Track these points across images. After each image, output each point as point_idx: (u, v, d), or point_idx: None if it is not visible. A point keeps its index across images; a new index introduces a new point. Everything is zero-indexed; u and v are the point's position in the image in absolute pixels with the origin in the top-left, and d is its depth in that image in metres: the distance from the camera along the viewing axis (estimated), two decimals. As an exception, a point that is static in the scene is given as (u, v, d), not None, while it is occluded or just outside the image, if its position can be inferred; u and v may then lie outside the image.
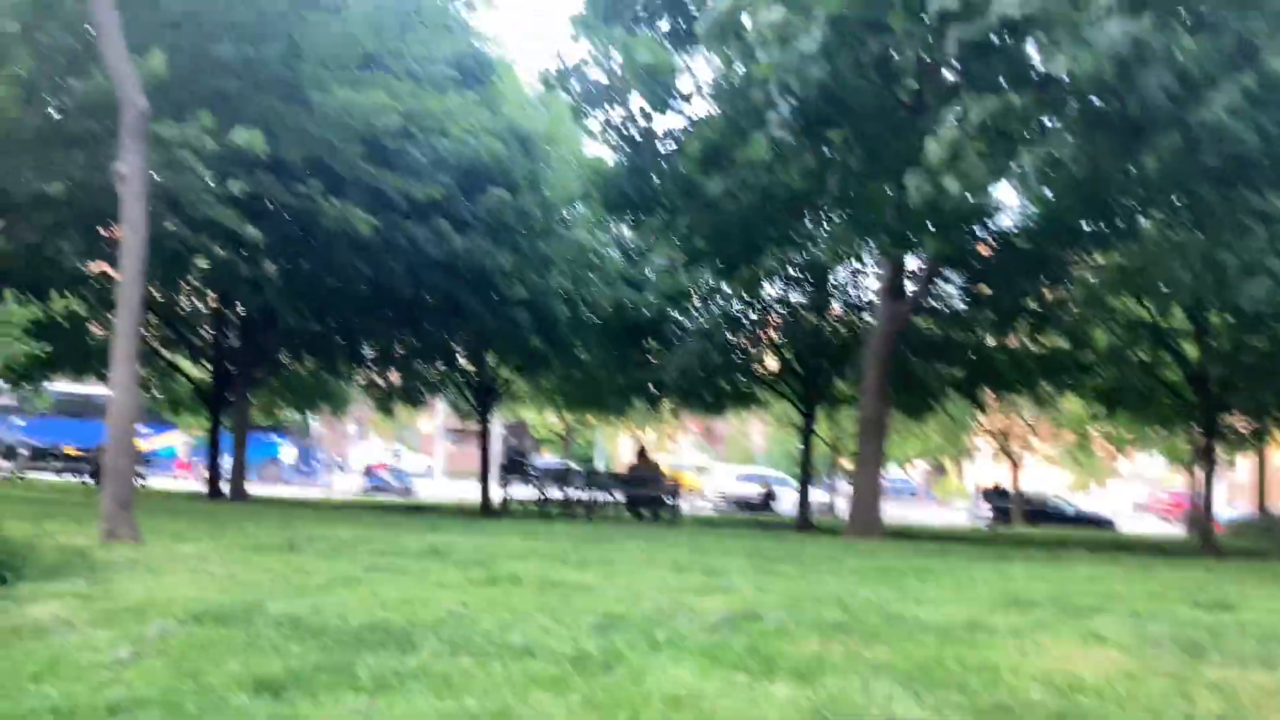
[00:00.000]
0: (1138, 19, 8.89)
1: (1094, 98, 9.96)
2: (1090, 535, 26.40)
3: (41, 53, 11.39)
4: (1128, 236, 14.54)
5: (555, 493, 19.50)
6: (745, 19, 11.54)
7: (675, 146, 14.44)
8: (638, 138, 14.33)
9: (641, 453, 21.35)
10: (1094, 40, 8.94)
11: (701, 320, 21.91)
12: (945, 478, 62.55)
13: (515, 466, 19.71)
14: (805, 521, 21.87)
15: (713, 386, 23.46)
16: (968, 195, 10.37)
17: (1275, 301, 10.92)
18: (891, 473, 45.45)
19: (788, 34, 10.77)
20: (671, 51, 15.64)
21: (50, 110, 12.05)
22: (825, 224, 17.11)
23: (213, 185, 10.24)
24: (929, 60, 12.10)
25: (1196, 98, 9.15)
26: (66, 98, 12.03)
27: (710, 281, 20.79)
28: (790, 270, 21.42)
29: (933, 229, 14.10)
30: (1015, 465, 37.05)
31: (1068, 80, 9.55)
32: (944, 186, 10.41)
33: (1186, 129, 9.48)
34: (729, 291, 21.32)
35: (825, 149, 13.47)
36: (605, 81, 14.10)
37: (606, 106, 14.32)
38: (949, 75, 12.63)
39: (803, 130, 12.39)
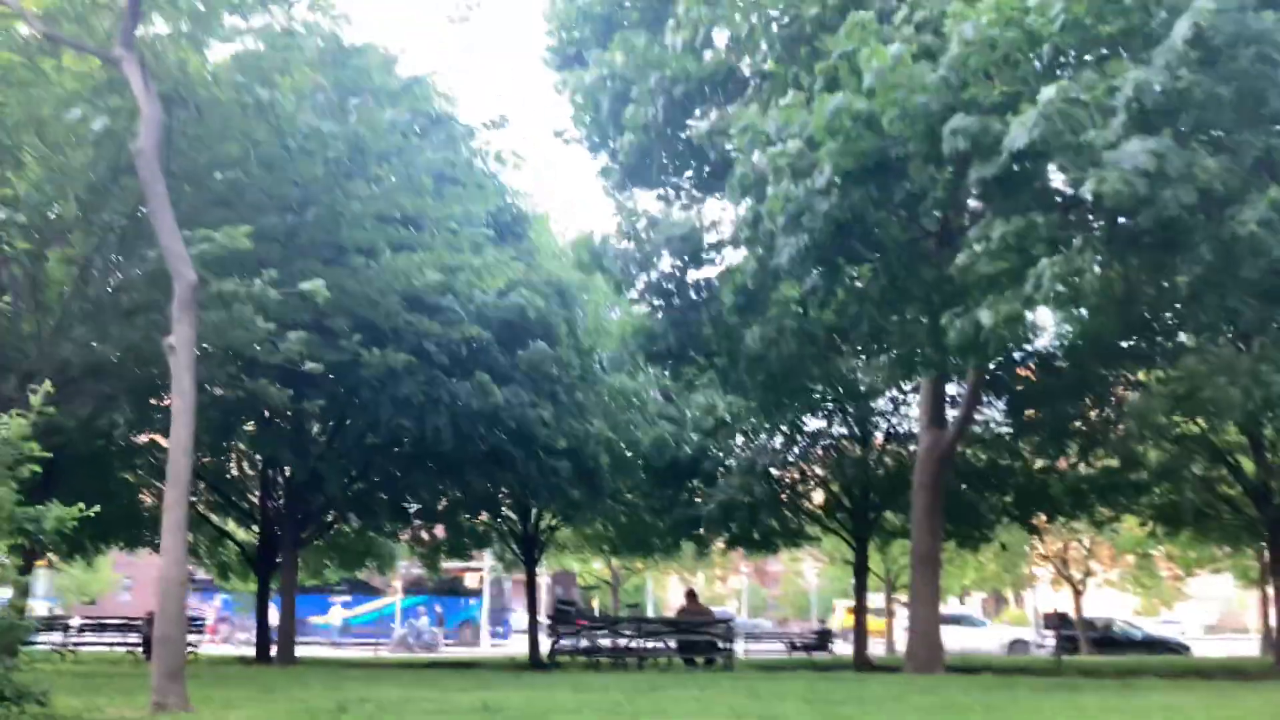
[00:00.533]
0: (1157, 136, 9.04)
1: (1121, 218, 10.01)
2: (1162, 661, 25.34)
3: (96, 232, 11.93)
4: (1170, 354, 14.46)
5: (605, 642, 19.12)
6: (756, 158, 11.88)
7: (711, 294, 14.73)
8: (674, 293, 14.69)
9: (691, 595, 20.97)
10: (1115, 160, 9.08)
11: (745, 455, 21.82)
12: (1005, 607, 60.77)
13: (564, 616, 19.40)
14: (863, 659, 21.22)
15: (760, 523, 23.18)
16: (1002, 327, 10.37)
17: None
18: (955, 605, 44.29)
19: (800, 168, 11.05)
20: (700, 200, 16.10)
21: (105, 285, 12.55)
22: (862, 357, 17.18)
23: (273, 335, 10.59)
24: (950, 196, 12.34)
25: (1222, 214, 9.20)
26: (120, 273, 12.56)
27: (752, 419, 20.82)
28: (830, 404, 21.43)
29: (969, 356, 14.10)
30: (1076, 591, 35.93)
31: (1091, 201, 9.65)
32: (980, 320, 10.44)
33: (1219, 244, 9.49)
34: (770, 427, 21.29)
35: (852, 281, 13.63)
36: (637, 251, 14.55)
37: (641, 274, 14.75)
38: (974, 203, 12.84)
39: (819, 265, 12.54)
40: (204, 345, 12.86)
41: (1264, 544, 23.28)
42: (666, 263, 14.30)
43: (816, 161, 10.99)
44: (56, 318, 11.99)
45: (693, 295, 14.71)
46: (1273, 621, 24.33)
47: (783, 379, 13.89)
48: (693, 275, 14.73)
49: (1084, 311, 17.21)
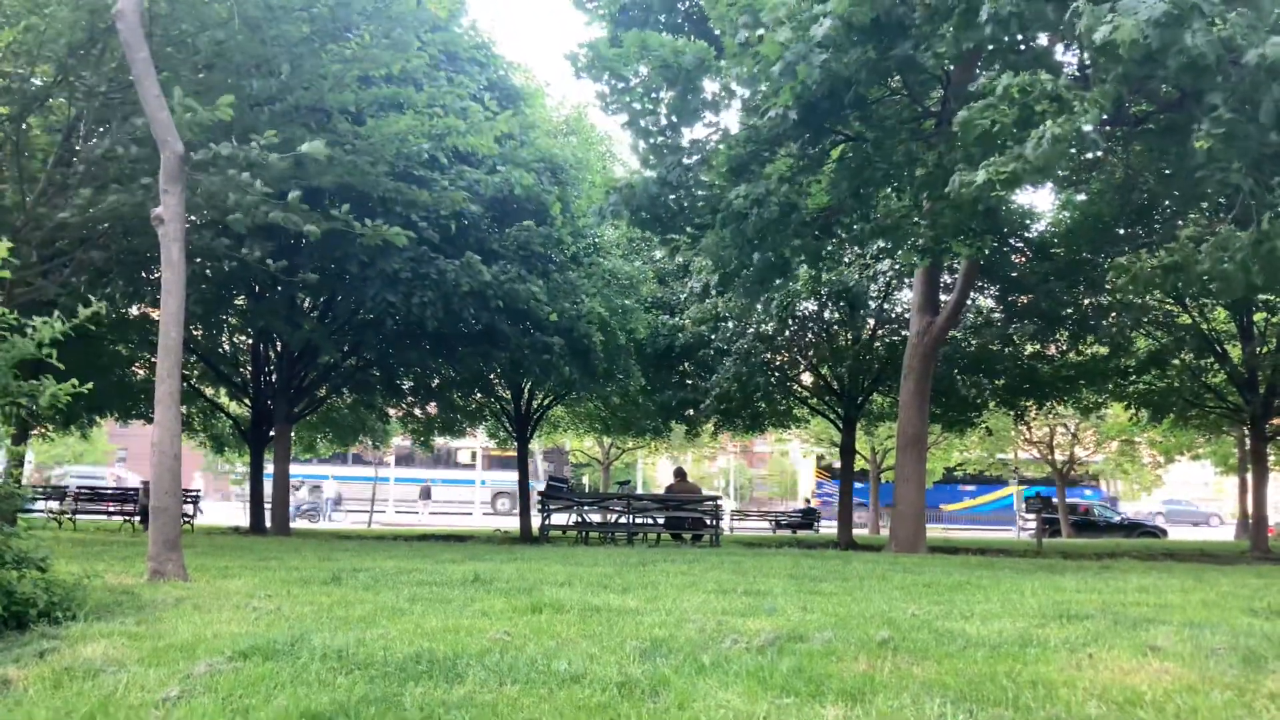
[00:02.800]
0: None
1: (1133, 71, 9.67)
2: (1139, 544, 25.98)
3: (79, 99, 11.62)
4: (1167, 240, 14.37)
5: (595, 517, 19.47)
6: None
7: (701, 158, 14.40)
8: (665, 147, 14.30)
9: (680, 474, 21.27)
10: (1130, 7, 8.84)
11: (737, 341, 21.90)
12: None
13: (555, 492, 19.70)
14: (848, 540, 21.71)
15: (751, 406, 23.44)
16: (999, 187, 10.19)
17: None
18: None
19: (801, 20, 10.72)
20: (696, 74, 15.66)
21: (90, 153, 12.28)
22: (854, 240, 17.03)
23: (269, 194, 10.43)
24: (952, 64, 12.00)
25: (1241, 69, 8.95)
26: (106, 140, 12.28)
27: (743, 301, 20.78)
28: (822, 288, 21.41)
29: (963, 235, 13.99)
30: (1060, 475, 36.59)
31: (1100, 53, 9.35)
32: (976, 180, 10.26)
33: (1235, 96, 9.25)
34: (762, 311, 21.29)
35: (844, 155, 13.41)
36: (634, 80, 14.07)
37: (635, 105, 14.30)
38: (976, 77, 12.55)
39: (809, 131, 12.27)
40: (194, 216, 12.70)
41: (1246, 431, 23.64)
42: (662, 113, 13.90)
43: (816, 17, 10.65)
44: (40, 186, 11.78)
45: (684, 158, 14.39)
46: (1249, 507, 24.82)
47: (760, 242, 13.71)
48: (687, 134, 14.36)
49: (1082, 195, 17.11)
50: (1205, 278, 10.82)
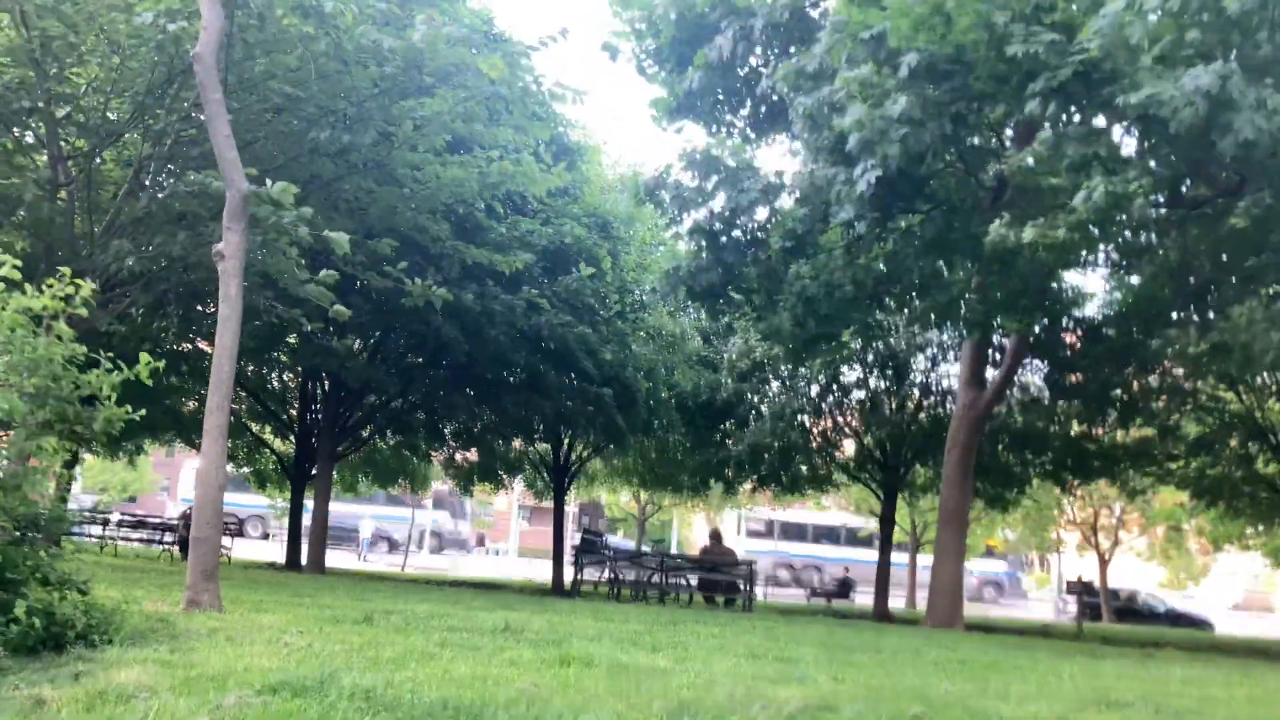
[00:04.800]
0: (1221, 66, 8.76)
1: (1177, 144, 9.69)
2: (1185, 635, 25.28)
3: (153, 136, 11.99)
4: (1219, 322, 14.25)
5: (628, 574, 19.37)
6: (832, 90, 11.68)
7: (758, 241, 14.58)
8: (723, 231, 14.52)
9: (715, 536, 21.12)
10: (1179, 83, 8.86)
11: (778, 400, 21.84)
12: (1030, 571, 60.68)
13: (589, 546, 19.64)
14: (883, 611, 21.36)
15: (789, 468, 23.27)
16: (1041, 248, 10.19)
17: None
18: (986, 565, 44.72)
19: (874, 93, 10.87)
20: (754, 142, 15.89)
21: (157, 191, 12.64)
22: (905, 310, 17.03)
23: (305, 268, 10.60)
24: (1009, 131, 12.09)
25: None
26: (173, 179, 12.63)
27: (786, 366, 20.80)
28: (870, 356, 21.35)
29: (1011, 310, 13.94)
30: (1102, 559, 35.80)
31: (1148, 114, 9.37)
32: (1022, 237, 10.27)
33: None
34: (807, 374, 21.26)
35: (905, 229, 13.48)
36: (693, 184, 14.36)
37: (693, 210, 14.60)
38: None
39: (883, 208, 12.38)
40: (248, 266, 12.99)
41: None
42: (720, 201, 14.14)
43: (889, 91, 10.80)
44: (108, 218, 12.13)
45: (740, 235, 14.57)
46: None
47: (824, 320, 13.78)
48: (742, 217, 14.58)
49: (1135, 278, 16.96)
50: (1250, 353, 10.68)
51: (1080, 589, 26.46)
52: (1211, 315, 15.05)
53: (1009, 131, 13.13)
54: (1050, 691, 6.36)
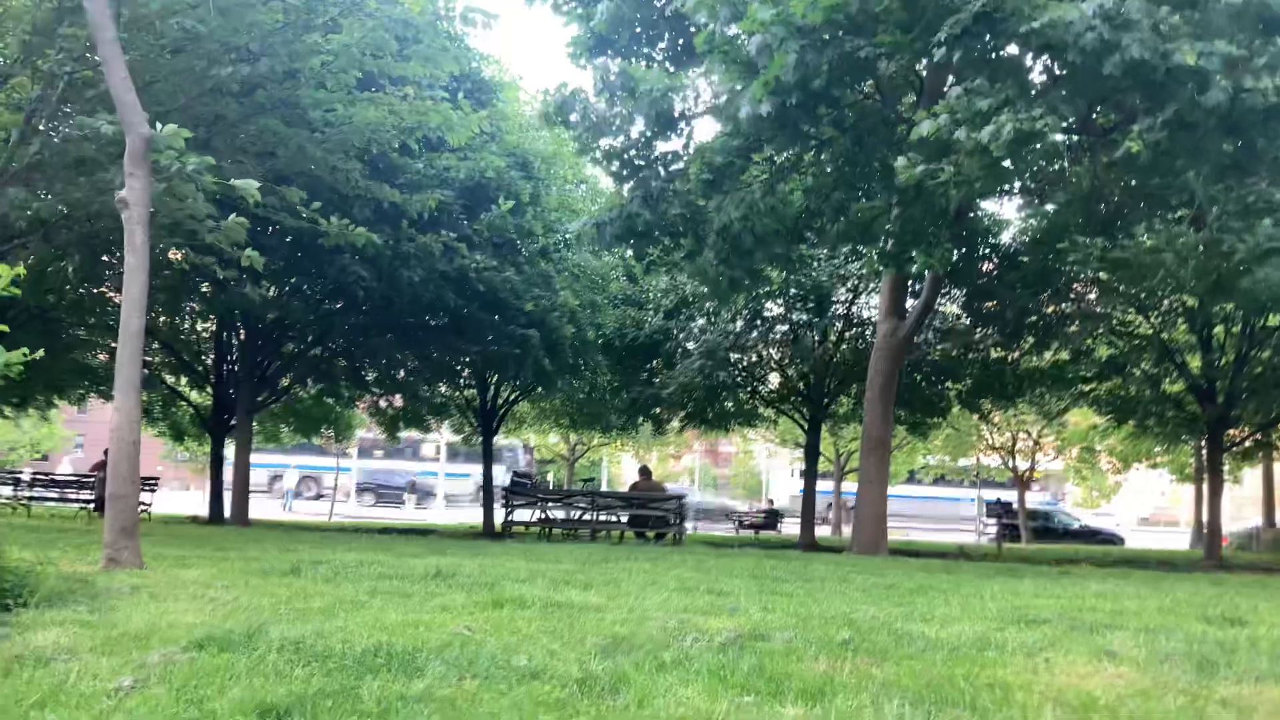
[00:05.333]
0: None
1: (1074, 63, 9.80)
2: (1098, 550, 26.30)
3: (43, 78, 11.42)
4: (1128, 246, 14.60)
5: (559, 514, 19.45)
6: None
7: (676, 172, 14.42)
8: (642, 165, 14.31)
9: (644, 472, 21.27)
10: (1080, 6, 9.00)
11: (704, 339, 21.93)
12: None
13: (519, 488, 19.65)
14: (809, 541, 21.80)
15: (716, 405, 23.48)
16: (954, 189, 10.30)
17: None
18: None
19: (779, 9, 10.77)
20: (673, 73, 15.68)
21: (52, 136, 12.08)
22: (825, 244, 17.13)
23: (214, 214, 10.22)
24: (918, 71, 12.12)
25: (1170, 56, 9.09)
26: (69, 124, 12.08)
27: (711, 303, 20.85)
28: (792, 290, 21.48)
29: (928, 242, 14.10)
30: (1020, 481, 36.95)
31: (1045, 49, 9.50)
32: (942, 173, 10.36)
33: (1183, 100, 9.42)
34: (731, 311, 21.34)
35: (818, 157, 13.46)
36: (605, 110, 14.09)
37: (608, 137, 14.33)
38: (942, 81, 12.67)
39: (782, 125, 12.28)
40: (154, 212, 12.52)
41: (1203, 441, 23.98)
42: (636, 129, 13.92)
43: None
44: (1, 166, 11.58)
45: (660, 170, 14.41)
46: (1204, 516, 25.23)
47: (747, 254, 13.75)
48: (661, 146, 14.39)
49: (1050, 205, 17.28)
50: (1147, 274, 10.99)
51: (999, 510, 27.28)
52: (1122, 238, 15.42)
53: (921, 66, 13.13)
54: (973, 611, 6.55)
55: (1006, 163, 10.15)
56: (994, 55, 10.96)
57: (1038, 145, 9.86)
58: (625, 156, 14.20)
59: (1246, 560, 21.77)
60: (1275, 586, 10.37)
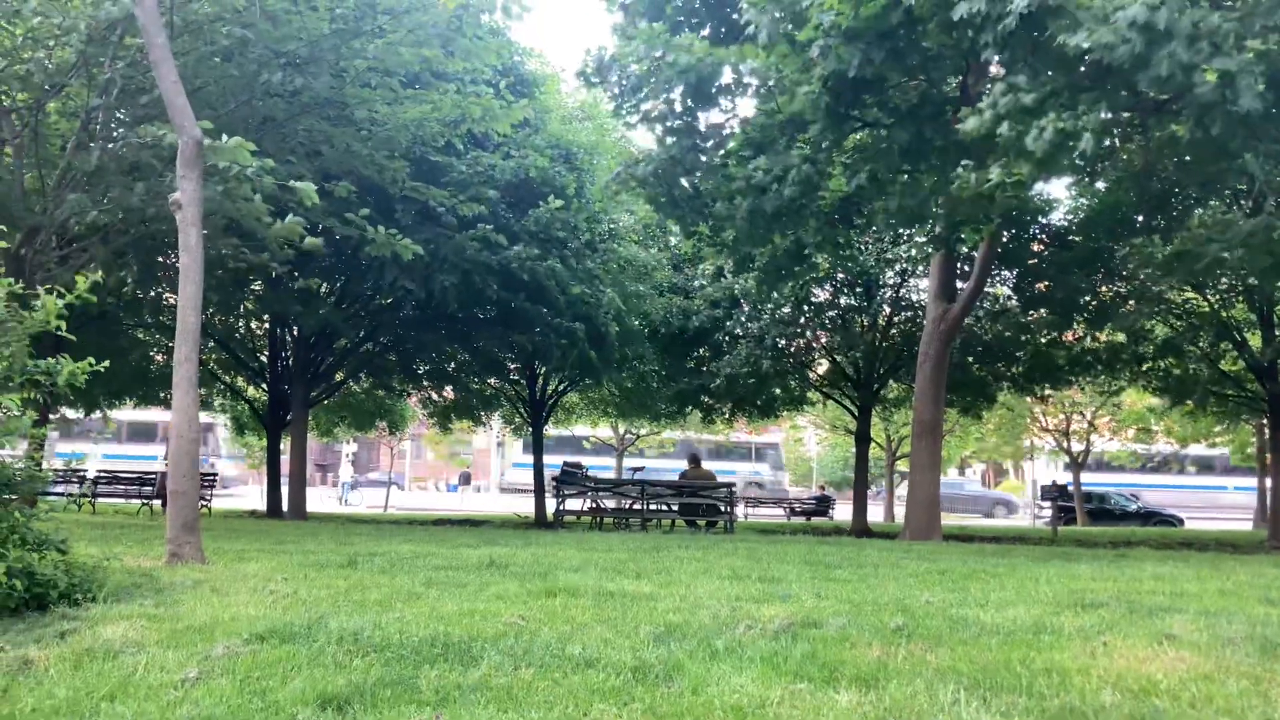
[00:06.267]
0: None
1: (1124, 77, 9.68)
2: (1156, 532, 25.87)
3: (98, 86, 11.67)
4: (1181, 229, 14.27)
5: (609, 503, 19.52)
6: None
7: (718, 143, 14.34)
8: (681, 131, 14.24)
9: (694, 460, 21.28)
10: (1116, 16, 8.84)
11: (751, 327, 21.87)
12: (1005, 479, 61.73)
13: (570, 478, 19.74)
14: (861, 526, 21.69)
15: (764, 391, 23.41)
16: (1011, 184, 10.18)
17: None
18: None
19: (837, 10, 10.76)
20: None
21: (108, 143, 12.34)
22: (872, 225, 16.97)
23: (269, 215, 10.39)
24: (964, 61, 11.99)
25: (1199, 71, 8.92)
26: (124, 130, 12.33)
27: (759, 291, 20.77)
28: (840, 275, 21.35)
29: (978, 222, 13.93)
30: (1075, 463, 36.43)
31: (1086, 54, 9.35)
32: (990, 177, 10.29)
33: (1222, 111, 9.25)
34: (778, 297, 21.25)
35: (867, 135, 13.37)
36: (642, 73, 14.01)
37: (647, 100, 14.25)
38: (992, 67, 12.51)
39: (830, 119, 12.22)
40: (209, 214, 12.77)
41: (1264, 420, 23.48)
42: (676, 94, 13.82)
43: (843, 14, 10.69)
44: (58, 172, 11.85)
45: (698, 141, 14.33)
46: (1267, 498, 24.71)
47: (779, 221, 13.65)
48: (701, 118, 14.31)
49: (1101, 184, 16.99)
50: (1208, 263, 10.77)
51: (1054, 493, 26.89)
52: (1177, 216, 15.13)
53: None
54: (1028, 596, 6.49)
55: (1052, 159, 10.09)
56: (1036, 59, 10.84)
57: (1079, 143, 9.75)
58: (666, 124, 14.13)
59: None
60: (1341, 567, 10.14)
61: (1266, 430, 23.61)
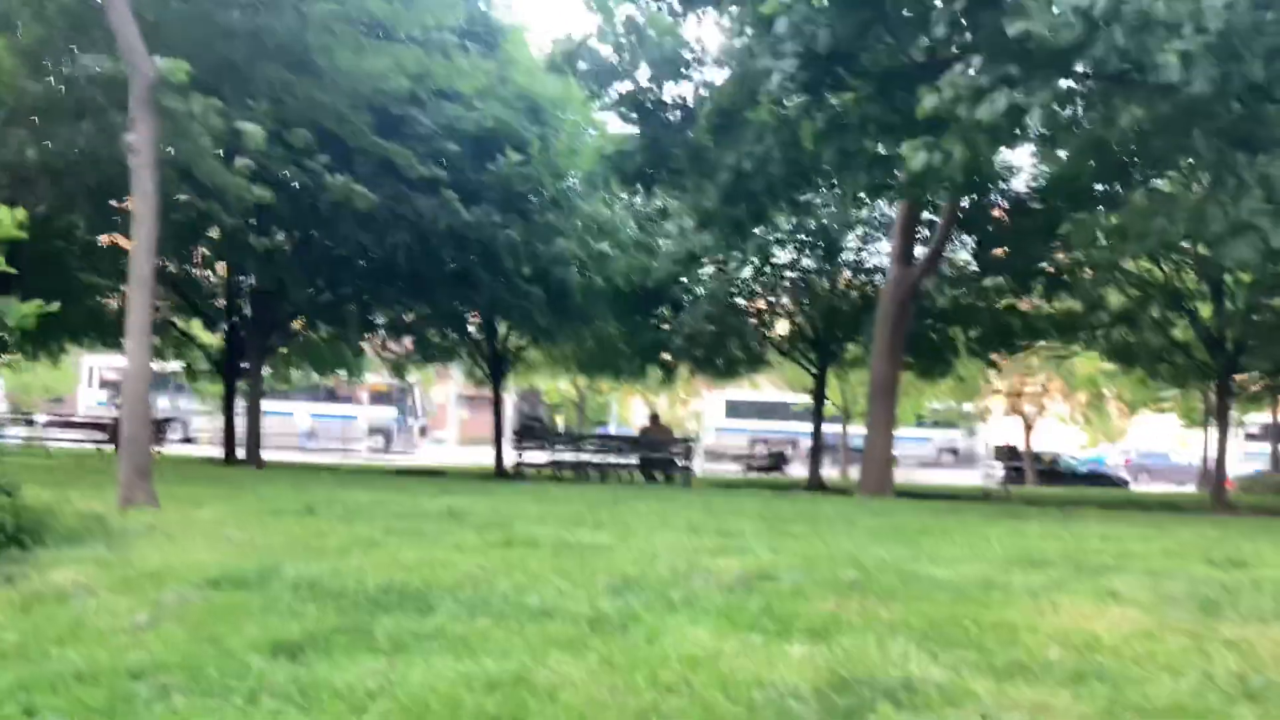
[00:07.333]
0: None
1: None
2: (1103, 494, 26.39)
3: (47, 19, 11.32)
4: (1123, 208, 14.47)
5: (569, 457, 19.58)
6: None
7: (686, 114, 14.31)
8: (650, 109, 14.21)
9: (654, 417, 21.37)
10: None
11: (713, 285, 21.86)
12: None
13: (529, 431, 19.78)
14: (817, 482, 21.92)
15: (724, 351, 23.48)
16: (962, 166, 10.30)
17: (1262, 263, 10.80)
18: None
19: None
20: (681, 15, 15.48)
21: (56, 80, 12.02)
22: (836, 187, 17.00)
23: (220, 158, 10.17)
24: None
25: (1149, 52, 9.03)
26: (73, 67, 11.99)
27: (720, 252, 20.77)
28: (802, 236, 21.36)
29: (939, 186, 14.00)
30: (1027, 425, 36.99)
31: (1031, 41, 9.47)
32: (949, 152, 10.34)
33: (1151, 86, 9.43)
34: (740, 256, 21.25)
35: (834, 106, 13.36)
36: (614, 58, 13.96)
37: (616, 82, 14.22)
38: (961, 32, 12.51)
39: (808, 87, 12.22)
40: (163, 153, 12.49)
41: (1211, 386, 23.96)
42: (644, 74, 13.78)
43: None
44: (7, 110, 11.52)
45: (668, 115, 14.31)
46: (1210, 461, 25.29)
47: (753, 197, 13.68)
48: (670, 91, 14.27)
49: (1061, 152, 17.07)
50: (1152, 238, 10.94)
51: (1006, 454, 27.31)
52: (1137, 186, 15.25)
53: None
54: (978, 553, 6.60)
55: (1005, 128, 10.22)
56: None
57: (1029, 117, 9.87)
58: (636, 101, 14.08)
59: (1251, 503, 21.83)
60: (1278, 529, 10.42)
61: (1213, 395, 24.10)
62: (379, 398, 40.30)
